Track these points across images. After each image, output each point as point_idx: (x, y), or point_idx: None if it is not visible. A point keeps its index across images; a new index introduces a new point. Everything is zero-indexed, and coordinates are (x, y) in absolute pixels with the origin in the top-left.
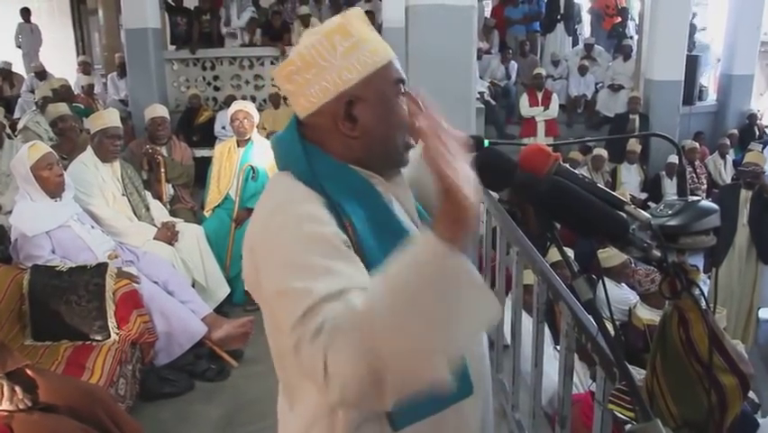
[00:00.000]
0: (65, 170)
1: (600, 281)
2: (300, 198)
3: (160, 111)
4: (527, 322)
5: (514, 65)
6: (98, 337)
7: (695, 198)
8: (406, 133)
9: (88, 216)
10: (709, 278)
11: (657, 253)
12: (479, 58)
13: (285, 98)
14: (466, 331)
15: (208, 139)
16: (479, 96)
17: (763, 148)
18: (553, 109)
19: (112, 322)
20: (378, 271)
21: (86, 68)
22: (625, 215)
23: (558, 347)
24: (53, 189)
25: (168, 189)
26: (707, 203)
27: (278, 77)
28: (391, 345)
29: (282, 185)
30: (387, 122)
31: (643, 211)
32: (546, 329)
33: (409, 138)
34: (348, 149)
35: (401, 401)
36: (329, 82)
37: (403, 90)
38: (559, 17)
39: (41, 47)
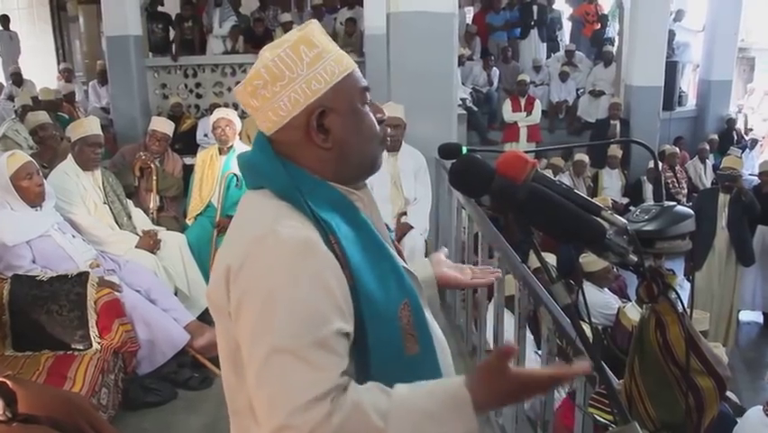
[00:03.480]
0: (45, 178)
1: (581, 287)
2: (290, 222)
3: (164, 126)
4: (510, 327)
5: (496, 71)
6: (80, 347)
7: (671, 203)
8: (377, 143)
9: (69, 225)
10: (690, 281)
11: (634, 257)
12: (461, 64)
13: None
14: None
15: (191, 147)
16: (461, 102)
17: (742, 152)
18: (536, 115)
19: (93, 331)
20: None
21: (67, 75)
22: (601, 220)
23: (539, 352)
24: (33, 199)
25: (156, 200)
26: (682, 208)
27: (241, 94)
28: None
29: (265, 205)
30: (358, 130)
31: (619, 216)
32: (528, 334)
33: (381, 147)
34: (321, 162)
35: None
36: (298, 93)
37: (368, 98)
38: (532, 23)
39: (20, 55)
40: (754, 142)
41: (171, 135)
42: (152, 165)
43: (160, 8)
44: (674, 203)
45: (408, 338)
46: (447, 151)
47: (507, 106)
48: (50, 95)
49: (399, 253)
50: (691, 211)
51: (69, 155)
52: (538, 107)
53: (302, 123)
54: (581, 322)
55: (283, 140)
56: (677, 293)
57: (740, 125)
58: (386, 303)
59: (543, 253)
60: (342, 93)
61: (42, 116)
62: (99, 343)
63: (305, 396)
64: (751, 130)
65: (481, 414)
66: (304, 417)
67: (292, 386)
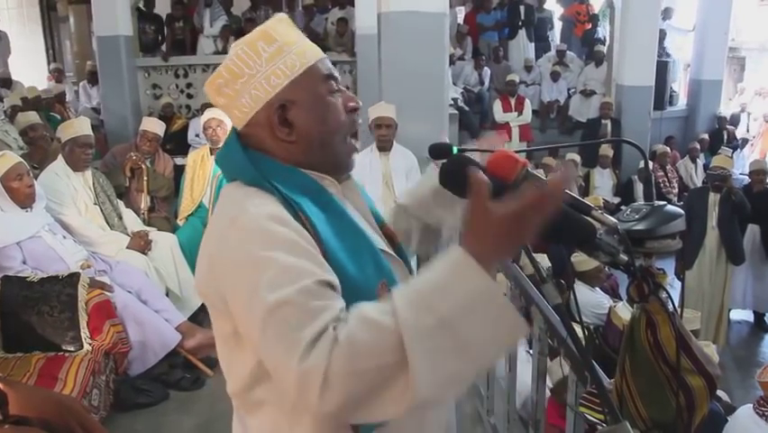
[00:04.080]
0: (36, 179)
1: (573, 286)
2: (258, 201)
3: (155, 126)
4: None
5: (487, 71)
6: (71, 348)
7: (661, 202)
8: (346, 134)
9: (60, 226)
10: (680, 280)
11: (624, 257)
12: (452, 64)
13: None
14: (491, 353)
15: (182, 147)
16: (452, 102)
17: (732, 152)
18: (527, 115)
19: (84, 332)
20: (346, 271)
21: (58, 75)
22: (592, 220)
23: (530, 350)
24: (23, 200)
25: (147, 200)
26: (672, 207)
27: (209, 91)
28: (416, 368)
29: (236, 193)
30: (322, 122)
31: (609, 216)
32: None
33: (351, 140)
34: (290, 154)
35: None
36: (258, 90)
37: (336, 87)
38: (520, 23)
39: (10, 55)
40: (745, 141)
41: (162, 135)
42: (143, 166)
43: (144, 9)
44: (664, 202)
45: None
46: (437, 150)
47: (497, 107)
48: (35, 93)
49: (393, 237)
50: (681, 211)
51: (60, 156)
52: (528, 107)
53: (265, 118)
54: (573, 322)
55: (251, 134)
56: (667, 293)
57: (743, 125)
58: (362, 279)
59: (534, 254)
60: (304, 86)
61: (33, 117)
62: (90, 344)
63: (307, 336)
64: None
65: (489, 266)
66: (312, 355)
67: (293, 333)
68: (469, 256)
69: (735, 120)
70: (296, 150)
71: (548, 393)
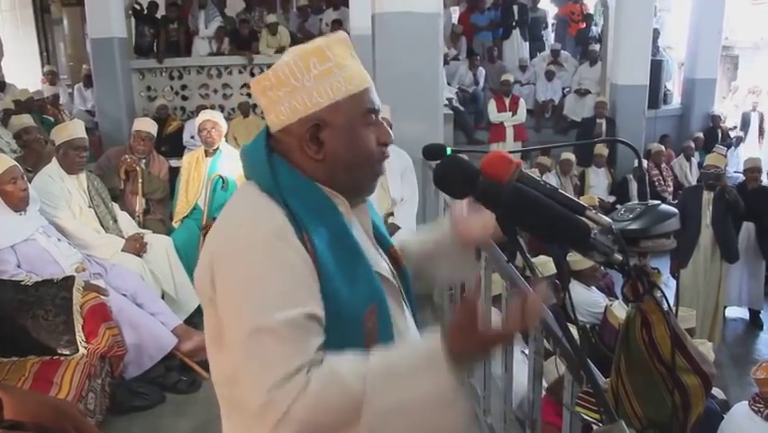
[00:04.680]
0: (30, 182)
1: (569, 286)
2: (267, 213)
3: (147, 126)
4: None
5: (482, 71)
6: (66, 352)
7: (655, 201)
8: (374, 163)
9: (54, 229)
10: (675, 279)
11: (619, 256)
12: (446, 64)
13: (254, 106)
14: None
15: (177, 149)
16: (447, 102)
17: (727, 150)
18: (521, 114)
19: (80, 336)
20: (337, 299)
21: (52, 78)
22: (586, 219)
23: (525, 350)
24: (17, 204)
25: (141, 203)
26: (666, 207)
27: (254, 89)
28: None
29: (250, 196)
30: (352, 150)
31: (604, 216)
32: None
33: (378, 167)
34: (313, 170)
35: None
36: (299, 103)
37: (374, 120)
38: (514, 23)
39: (2, 58)
40: (739, 139)
41: (155, 135)
42: (138, 168)
43: (146, 12)
44: (658, 202)
45: (371, 341)
46: (431, 151)
47: (492, 107)
48: (26, 95)
49: (396, 256)
50: (675, 210)
51: (54, 159)
52: (523, 107)
53: (298, 131)
54: (568, 322)
55: (282, 140)
56: (662, 292)
57: (755, 123)
58: (352, 303)
59: (539, 257)
60: (343, 111)
61: (26, 120)
62: (86, 347)
63: (281, 371)
64: (735, 128)
65: (461, 367)
66: (282, 391)
67: (270, 363)
68: (445, 357)
69: (746, 119)
70: (320, 168)
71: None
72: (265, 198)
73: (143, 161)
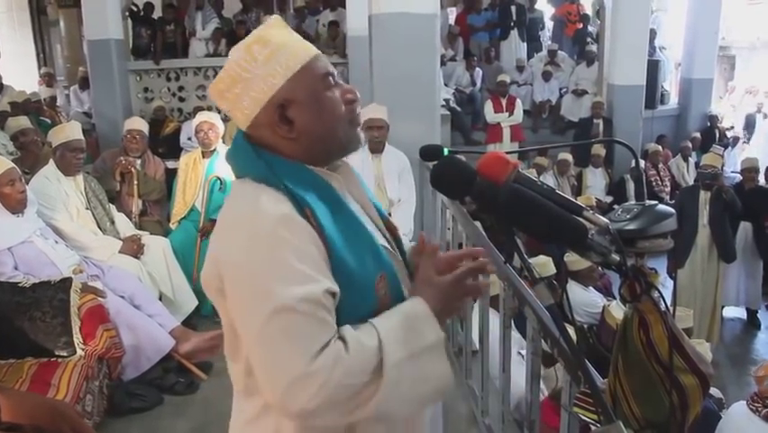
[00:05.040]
0: (27, 184)
1: (566, 286)
2: (268, 199)
3: (138, 124)
4: (495, 327)
5: (479, 72)
6: (64, 354)
7: (652, 202)
8: (346, 124)
9: (52, 231)
10: (673, 279)
11: (616, 257)
12: (443, 65)
13: None
14: (433, 388)
15: (174, 150)
16: (444, 103)
17: (724, 150)
18: (518, 115)
19: (77, 338)
20: (344, 266)
21: (49, 80)
22: (583, 220)
23: (521, 351)
24: (15, 206)
25: (138, 204)
26: (663, 207)
27: (213, 97)
28: (387, 383)
29: (246, 189)
30: (321, 117)
31: (601, 216)
32: (517, 334)
33: (354, 123)
34: (293, 150)
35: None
36: (257, 91)
37: (333, 82)
38: (512, 24)
39: None
40: (736, 139)
41: (147, 133)
42: (133, 169)
43: (142, 13)
44: (656, 202)
45: (384, 309)
46: (428, 152)
47: (488, 107)
48: (23, 97)
49: (391, 230)
50: (672, 210)
51: (51, 160)
52: (519, 107)
53: (266, 118)
54: (566, 323)
55: (255, 134)
56: (659, 292)
57: (760, 124)
58: (362, 273)
59: (537, 257)
60: (301, 83)
61: (23, 121)
62: (83, 349)
63: (316, 344)
64: (732, 128)
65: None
66: (320, 360)
67: (301, 338)
68: (431, 311)
69: (750, 121)
70: (298, 146)
71: (543, 395)
72: (263, 187)
73: (138, 161)
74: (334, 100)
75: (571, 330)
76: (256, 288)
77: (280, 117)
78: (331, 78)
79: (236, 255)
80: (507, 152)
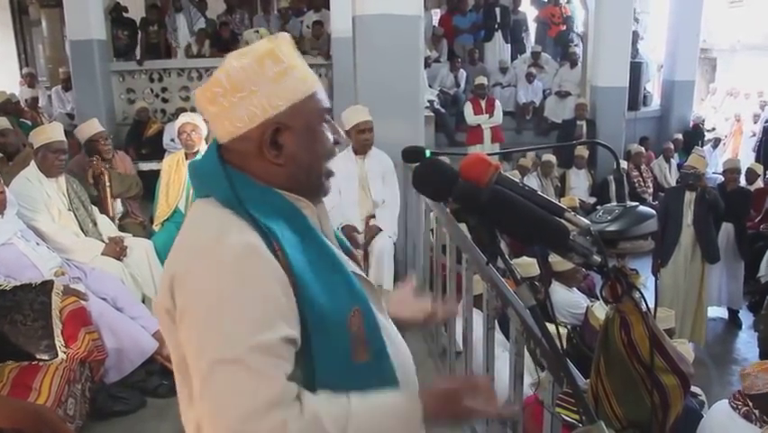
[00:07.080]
0: (7, 186)
1: (550, 287)
2: (232, 229)
3: (98, 125)
4: (479, 327)
5: (463, 73)
6: (45, 357)
7: (633, 203)
8: (328, 163)
9: (33, 233)
10: (657, 278)
11: (597, 258)
12: (427, 66)
13: None
14: None
15: (158, 152)
16: (428, 104)
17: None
18: (498, 116)
19: (59, 341)
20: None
21: (30, 80)
22: (565, 221)
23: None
24: None
25: (117, 205)
26: (645, 208)
27: (200, 98)
28: None
29: (210, 213)
30: (311, 151)
31: (582, 218)
32: (499, 334)
33: (327, 177)
34: (270, 175)
35: None
36: (257, 107)
37: (328, 119)
38: (496, 26)
39: None
40: (717, 141)
41: (105, 129)
42: (104, 171)
43: (124, 14)
44: (637, 203)
45: (359, 346)
46: (410, 154)
47: (468, 110)
48: (3, 98)
49: (356, 261)
50: (653, 211)
51: (32, 162)
52: (499, 108)
53: (256, 136)
54: (549, 323)
55: (236, 149)
56: (641, 293)
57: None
58: (333, 310)
59: (521, 258)
60: (301, 113)
61: (3, 122)
62: (65, 352)
63: (258, 402)
64: (714, 129)
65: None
66: (260, 423)
67: (241, 394)
68: (421, 418)
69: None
70: (280, 172)
71: (528, 393)
72: (228, 214)
73: (107, 159)
74: (326, 136)
75: (553, 330)
76: (208, 324)
77: (271, 140)
78: (327, 115)
79: (192, 284)
80: (490, 154)
